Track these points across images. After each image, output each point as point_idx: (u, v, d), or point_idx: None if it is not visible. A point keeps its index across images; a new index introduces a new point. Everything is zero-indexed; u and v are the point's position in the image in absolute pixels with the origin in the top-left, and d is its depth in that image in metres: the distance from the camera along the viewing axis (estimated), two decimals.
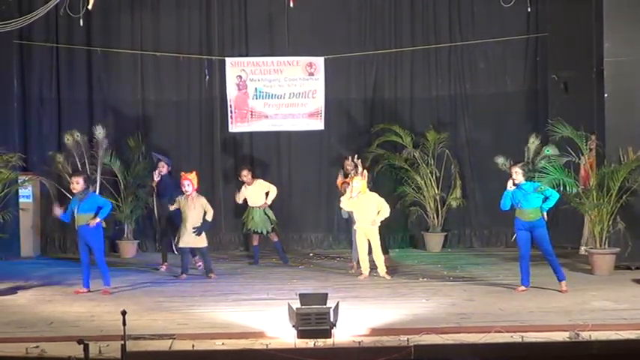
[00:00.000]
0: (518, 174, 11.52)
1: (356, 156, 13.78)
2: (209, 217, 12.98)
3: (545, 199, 11.52)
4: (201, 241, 13.00)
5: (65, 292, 11.75)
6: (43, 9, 13.43)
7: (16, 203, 14.49)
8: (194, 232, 12.82)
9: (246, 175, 14.31)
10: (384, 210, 12.81)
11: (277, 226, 14.43)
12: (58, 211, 11.77)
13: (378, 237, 12.79)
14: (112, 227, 15.50)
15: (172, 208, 13.01)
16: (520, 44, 16.22)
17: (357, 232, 12.80)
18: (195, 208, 12.87)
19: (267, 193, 14.34)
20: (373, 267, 12.92)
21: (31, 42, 15.70)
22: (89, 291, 11.71)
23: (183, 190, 12.91)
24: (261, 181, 14.49)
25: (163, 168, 13.97)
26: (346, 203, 12.88)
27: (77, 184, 11.69)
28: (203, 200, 13.02)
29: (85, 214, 11.62)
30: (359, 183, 12.76)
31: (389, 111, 16.38)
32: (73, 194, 12.01)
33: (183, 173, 13.19)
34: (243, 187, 14.36)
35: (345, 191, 13.14)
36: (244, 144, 16.30)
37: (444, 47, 16.32)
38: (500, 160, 13.35)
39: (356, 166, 13.24)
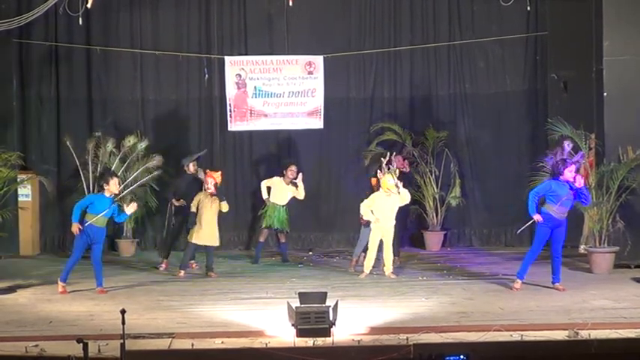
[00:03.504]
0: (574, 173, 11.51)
1: (394, 154, 13.64)
2: (223, 208, 13.05)
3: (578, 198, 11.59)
4: (215, 240, 13.08)
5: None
6: (42, 7, 13.42)
7: (16, 202, 14.49)
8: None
9: (294, 171, 14.28)
10: (405, 195, 12.75)
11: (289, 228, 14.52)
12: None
13: (392, 237, 12.80)
14: (112, 226, 15.50)
15: (192, 208, 13.04)
16: (519, 43, 16.20)
17: (373, 229, 12.75)
18: (212, 208, 12.93)
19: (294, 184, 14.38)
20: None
21: (31, 41, 15.68)
22: (65, 286, 11.70)
23: (205, 187, 12.96)
24: (299, 187, 14.39)
25: (191, 167, 13.98)
26: (372, 201, 12.79)
27: (114, 185, 11.70)
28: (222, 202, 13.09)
29: (105, 219, 11.66)
30: (391, 179, 12.69)
31: (388, 110, 16.37)
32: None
33: (208, 171, 13.28)
34: (277, 179, 14.36)
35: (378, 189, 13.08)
36: (244, 143, 16.30)
37: (443, 46, 16.31)
38: (549, 160, 13.03)
39: (391, 162, 13.04)
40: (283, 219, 14.28)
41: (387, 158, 12.97)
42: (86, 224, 11.56)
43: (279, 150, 16.31)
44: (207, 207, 12.94)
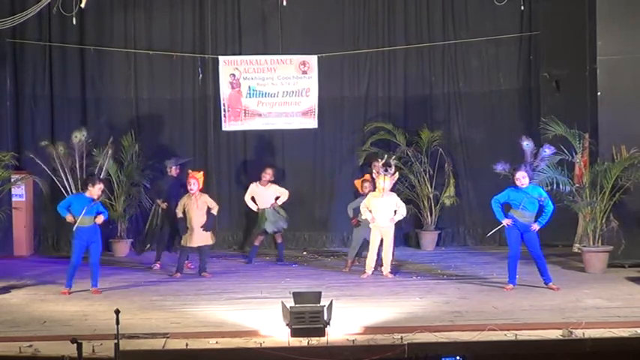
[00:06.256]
0: (525, 178, 11.52)
1: (394, 157, 13.69)
2: (214, 212, 13.09)
3: (541, 209, 11.54)
4: (209, 239, 13.08)
5: (58, 292, 11.72)
6: (36, 7, 13.38)
7: (10, 202, 14.47)
8: (202, 228, 12.88)
9: (271, 173, 14.36)
10: (402, 209, 12.89)
11: (289, 222, 14.51)
12: (71, 218, 11.70)
13: (392, 236, 12.83)
14: (106, 226, 15.50)
15: (178, 213, 13.01)
16: (513, 42, 16.22)
17: (372, 230, 12.79)
18: (199, 207, 12.94)
19: (276, 198, 14.37)
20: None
21: (24, 40, 15.65)
22: (71, 292, 11.69)
23: (188, 188, 12.98)
24: (276, 186, 14.46)
25: (173, 170, 13.98)
26: (368, 201, 12.83)
27: (98, 190, 11.77)
28: (206, 197, 13.13)
29: (89, 217, 11.66)
30: (389, 183, 12.78)
31: (382, 109, 16.38)
32: (67, 192, 12.07)
33: (190, 171, 13.28)
34: (254, 185, 14.39)
35: (364, 190, 13.14)
36: (238, 142, 16.29)
37: (437, 45, 16.32)
38: (499, 167, 13.31)
39: (389, 165, 13.10)
40: (276, 218, 14.26)
41: (384, 160, 13.01)
42: (75, 229, 11.60)
43: (273, 150, 16.31)
44: (194, 208, 12.93)
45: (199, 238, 12.95)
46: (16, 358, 8.42)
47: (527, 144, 13.30)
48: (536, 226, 11.55)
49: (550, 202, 11.72)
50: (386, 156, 13.26)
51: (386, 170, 12.84)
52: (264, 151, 16.29)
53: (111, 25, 16.02)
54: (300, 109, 16.15)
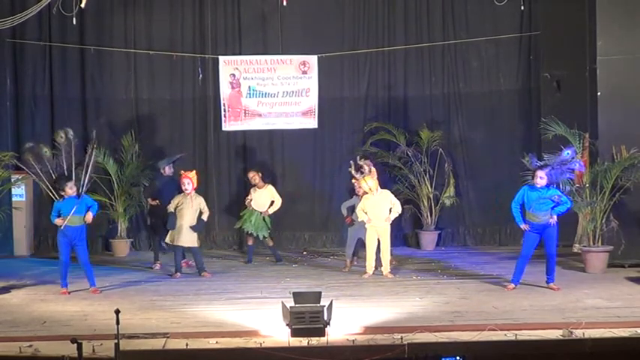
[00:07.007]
0: (543, 179, 11.50)
1: (358, 157, 13.74)
2: (205, 217, 13.05)
3: (557, 204, 11.53)
4: (195, 241, 13.02)
5: (58, 292, 11.73)
6: (36, 7, 13.37)
7: (10, 202, 14.46)
8: (192, 228, 12.84)
9: (252, 177, 14.38)
10: (397, 207, 12.89)
11: (272, 233, 14.49)
12: (60, 222, 11.70)
13: (389, 236, 12.84)
14: (106, 226, 15.52)
15: (170, 208, 13.00)
16: (513, 43, 16.22)
17: (368, 230, 12.80)
18: (193, 207, 12.93)
19: (272, 202, 14.36)
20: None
21: (24, 40, 15.66)
22: (70, 291, 11.70)
23: (183, 188, 12.97)
24: (272, 189, 14.48)
25: (167, 170, 13.97)
26: (363, 203, 12.84)
27: (70, 189, 11.76)
28: (201, 200, 13.10)
29: (78, 216, 11.65)
30: (372, 181, 12.80)
31: (382, 109, 16.38)
32: (54, 196, 12.09)
33: (183, 172, 13.26)
34: (252, 190, 14.44)
35: (358, 191, 13.17)
36: (238, 142, 16.29)
37: (437, 46, 16.32)
38: (530, 160, 13.05)
39: (361, 166, 13.15)
40: (258, 224, 14.25)
41: (354, 165, 13.07)
42: (62, 227, 11.62)
43: (273, 150, 16.31)
44: (188, 208, 12.92)
45: (187, 238, 12.92)
46: (16, 358, 8.43)
47: (568, 153, 12.64)
48: (554, 218, 11.48)
49: (567, 198, 11.71)
50: (351, 162, 13.35)
51: (361, 173, 12.92)
52: (264, 151, 16.29)
53: (111, 25, 16.02)
54: (300, 109, 16.15)
